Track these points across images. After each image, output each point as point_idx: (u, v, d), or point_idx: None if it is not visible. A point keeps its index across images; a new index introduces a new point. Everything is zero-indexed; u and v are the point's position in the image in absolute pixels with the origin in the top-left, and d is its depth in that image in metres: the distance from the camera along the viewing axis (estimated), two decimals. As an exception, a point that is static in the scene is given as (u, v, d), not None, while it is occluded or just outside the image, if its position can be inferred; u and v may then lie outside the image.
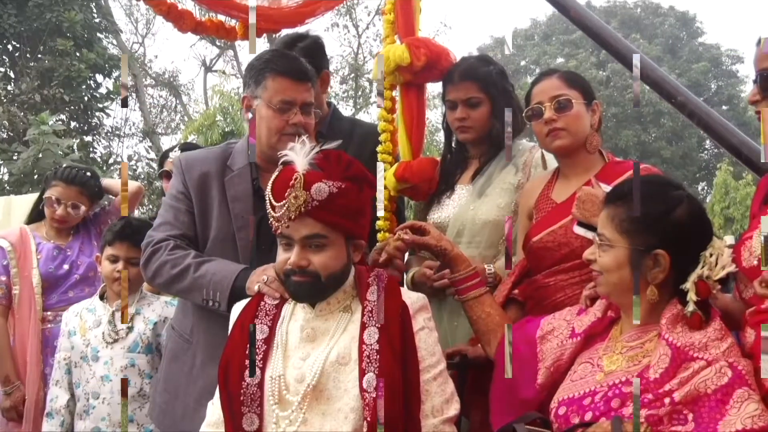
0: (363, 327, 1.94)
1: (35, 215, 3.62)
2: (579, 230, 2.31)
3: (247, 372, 1.94)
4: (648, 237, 1.81)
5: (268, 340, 2.00)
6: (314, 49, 2.90)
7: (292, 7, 3.33)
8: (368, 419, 1.84)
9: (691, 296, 1.77)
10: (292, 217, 1.90)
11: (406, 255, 3.03)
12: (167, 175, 3.74)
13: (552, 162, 2.67)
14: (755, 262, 1.80)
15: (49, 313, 3.44)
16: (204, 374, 2.35)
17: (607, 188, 2.27)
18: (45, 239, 3.53)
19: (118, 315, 3.00)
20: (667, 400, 1.68)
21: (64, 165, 3.78)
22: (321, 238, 1.93)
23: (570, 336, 2.00)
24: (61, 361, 3.06)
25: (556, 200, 2.47)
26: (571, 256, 2.35)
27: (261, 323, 2.02)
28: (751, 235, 1.85)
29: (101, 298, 3.09)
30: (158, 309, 3.02)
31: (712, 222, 1.86)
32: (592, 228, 2.25)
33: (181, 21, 3.35)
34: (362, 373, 1.88)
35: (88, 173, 3.61)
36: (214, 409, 2.03)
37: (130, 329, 2.98)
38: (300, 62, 2.50)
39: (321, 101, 2.94)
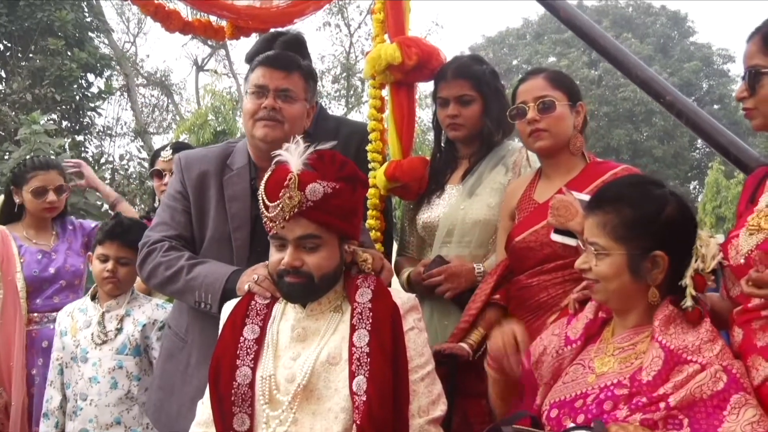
0: (353, 329, 1.94)
1: (7, 217, 3.57)
2: (557, 238, 2.32)
3: (237, 372, 1.94)
4: (644, 240, 1.80)
5: (259, 340, 1.99)
6: (294, 43, 2.88)
7: (281, 6, 3.32)
8: (358, 422, 1.84)
9: (690, 291, 1.77)
10: (287, 217, 1.90)
11: (394, 256, 3.05)
12: (158, 174, 3.73)
13: (535, 162, 2.69)
14: (742, 261, 1.80)
15: (35, 314, 3.42)
16: (199, 374, 2.34)
17: (579, 196, 2.28)
18: (26, 240, 3.49)
19: (107, 316, 2.98)
20: (662, 405, 1.67)
21: (27, 158, 3.75)
22: (315, 239, 1.93)
23: (566, 344, 1.98)
24: (54, 362, 3.04)
25: (539, 200, 2.48)
26: (553, 257, 2.36)
27: (252, 323, 2.02)
28: (737, 234, 1.85)
29: (92, 298, 3.08)
30: (148, 311, 3.00)
31: (698, 218, 1.88)
32: (569, 234, 2.27)
33: (169, 21, 3.35)
34: (352, 376, 1.88)
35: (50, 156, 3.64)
36: (204, 409, 2.03)
37: (119, 331, 2.96)
38: (281, 53, 2.51)
39: None
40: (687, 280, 1.78)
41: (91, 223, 3.73)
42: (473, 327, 2.51)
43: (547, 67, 2.97)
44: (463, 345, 2.47)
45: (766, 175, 1.97)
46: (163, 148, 3.87)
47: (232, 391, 1.92)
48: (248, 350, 1.97)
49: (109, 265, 2.96)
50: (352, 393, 1.87)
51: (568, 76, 2.61)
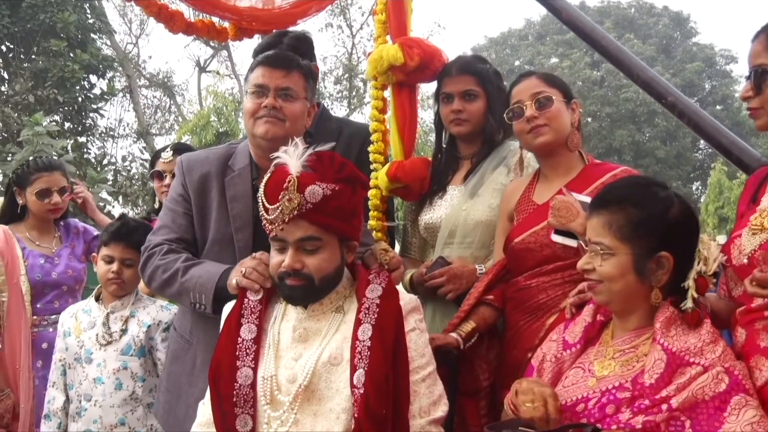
0: (358, 323, 1.95)
1: (8, 218, 3.57)
2: (557, 238, 2.33)
3: (238, 373, 1.94)
4: (649, 240, 1.80)
5: (258, 340, 1.99)
6: (299, 41, 2.88)
7: (283, 8, 3.33)
8: (356, 415, 1.84)
9: (692, 293, 1.77)
10: (286, 219, 1.90)
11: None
12: (158, 176, 3.73)
13: (530, 164, 2.68)
14: (745, 261, 1.81)
15: (35, 317, 3.41)
16: (204, 375, 2.31)
17: (579, 197, 2.28)
18: (29, 242, 3.50)
19: (112, 317, 2.98)
20: (664, 407, 1.67)
21: (30, 159, 3.76)
22: (315, 241, 1.93)
23: (564, 348, 1.98)
24: (57, 363, 3.03)
25: (537, 202, 2.48)
26: (553, 258, 2.36)
27: (247, 322, 2.01)
28: (740, 234, 1.85)
29: (97, 299, 3.08)
30: (153, 312, 3.00)
31: (701, 219, 1.88)
32: (569, 235, 2.27)
33: (172, 22, 3.35)
34: (353, 369, 1.89)
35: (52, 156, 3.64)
36: (205, 410, 2.03)
37: (124, 332, 2.96)
38: (280, 52, 2.50)
39: None
40: (690, 282, 1.78)
41: (93, 231, 3.73)
42: (464, 322, 2.51)
43: (552, 69, 2.97)
44: (452, 334, 2.46)
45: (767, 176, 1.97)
46: (164, 149, 3.87)
47: (234, 391, 1.91)
48: (247, 350, 1.97)
49: (114, 266, 2.96)
50: (352, 386, 1.87)
51: (559, 77, 2.63)
